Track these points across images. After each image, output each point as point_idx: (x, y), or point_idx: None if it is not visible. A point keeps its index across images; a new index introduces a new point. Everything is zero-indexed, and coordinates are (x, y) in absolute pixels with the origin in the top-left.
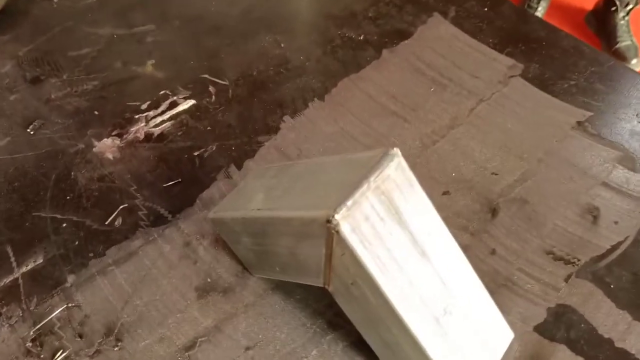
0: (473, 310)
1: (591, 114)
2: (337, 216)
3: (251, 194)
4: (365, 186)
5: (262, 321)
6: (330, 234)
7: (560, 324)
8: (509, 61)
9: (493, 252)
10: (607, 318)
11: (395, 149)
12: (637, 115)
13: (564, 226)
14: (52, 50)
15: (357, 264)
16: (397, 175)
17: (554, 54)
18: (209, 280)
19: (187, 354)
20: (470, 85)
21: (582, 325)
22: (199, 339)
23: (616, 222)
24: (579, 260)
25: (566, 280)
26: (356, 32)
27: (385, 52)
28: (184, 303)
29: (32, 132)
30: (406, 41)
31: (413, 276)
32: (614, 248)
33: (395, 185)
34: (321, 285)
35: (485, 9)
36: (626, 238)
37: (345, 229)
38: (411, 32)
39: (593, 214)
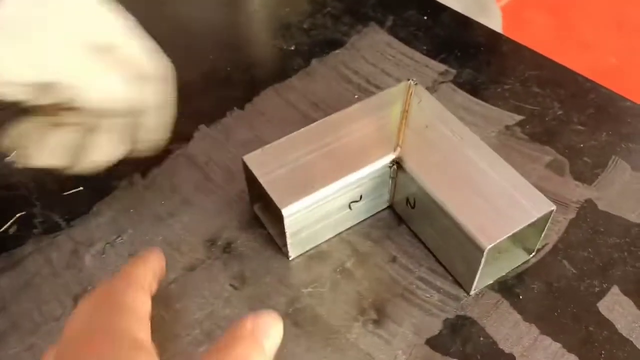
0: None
1: (522, 117)
2: None
3: None
4: None
5: None
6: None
7: (456, 338)
8: (441, 67)
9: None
10: (512, 332)
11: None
12: (574, 121)
13: None
14: None
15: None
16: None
17: (491, 59)
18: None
19: None
20: None
21: (481, 339)
22: None
23: None
24: None
25: None
26: (288, 43)
27: (314, 61)
28: (60, 311)
29: None
30: (337, 50)
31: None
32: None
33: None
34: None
35: (425, 17)
36: (544, 245)
37: None
38: (344, 42)
39: None
